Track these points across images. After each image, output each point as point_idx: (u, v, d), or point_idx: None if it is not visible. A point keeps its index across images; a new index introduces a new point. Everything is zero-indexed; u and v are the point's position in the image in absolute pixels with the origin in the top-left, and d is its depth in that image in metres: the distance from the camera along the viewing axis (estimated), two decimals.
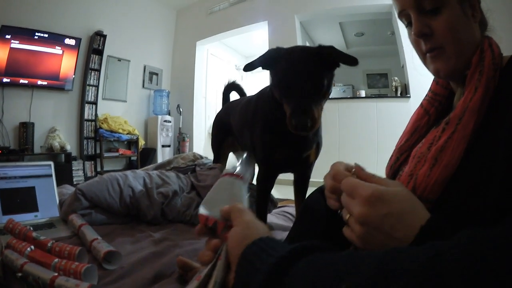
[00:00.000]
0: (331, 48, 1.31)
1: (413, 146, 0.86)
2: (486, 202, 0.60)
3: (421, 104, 0.94)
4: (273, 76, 1.39)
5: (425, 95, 0.95)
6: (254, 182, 1.65)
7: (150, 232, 1.64)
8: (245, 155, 0.88)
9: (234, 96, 2.41)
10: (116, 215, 1.79)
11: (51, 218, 1.82)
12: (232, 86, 2.39)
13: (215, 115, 2.33)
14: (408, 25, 0.86)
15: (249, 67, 1.47)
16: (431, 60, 0.84)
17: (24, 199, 1.82)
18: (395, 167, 0.90)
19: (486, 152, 0.65)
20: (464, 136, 0.69)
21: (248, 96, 1.95)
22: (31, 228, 1.49)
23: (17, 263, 1.16)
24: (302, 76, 1.26)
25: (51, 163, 2.03)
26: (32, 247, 1.31)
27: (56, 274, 1.10)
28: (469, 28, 0.79)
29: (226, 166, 0.82)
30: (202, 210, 0.66)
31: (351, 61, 1.31)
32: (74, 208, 1.71)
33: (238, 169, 0.81)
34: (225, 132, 2.17)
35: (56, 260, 1.20)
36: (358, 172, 0.68)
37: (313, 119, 1.23)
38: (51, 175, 1.97)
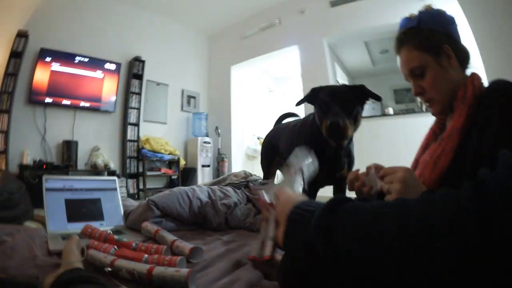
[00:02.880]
0: (362, 86, 1.65)
1: (421, 156, 1.30)
2: None
3: (431, 128, 1.37)
4: (316, 106, 1.69)
5: (433, 122, 1.38)
6: None
7: (218, 236, 1.83)
8: (297, 149, 1.22)
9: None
10: (184, 223, 2.00)
11: (116, 227, 1.98)
12: (286, 115, 2.70)
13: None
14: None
15: (298, 103, 1.83)
16: (428, 107, 1.28)
17: (90, 209, 1.97)
18: None
19: (464, 155, 1.03)
20: (452, 146, 1.07)
21: (294, 121, 2.21)
22: (111, 232, 1.65)
23: (106, 260, 1.26)
24: (337, 99, 1.57)
25: (116, 178, 2.21)
26: (116, 247, 1.44)
27: (152, 265, 1.20)
28: (447, 77, 1.19)
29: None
30: (262, 196, 0.91)
31: (377, 97, 1.68)
32: (146, 216, 1.91)
33: (293, 161, 1.14)
34: (273, 152, 2.42)
35: (146, 255, 1.33)
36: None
37: (344, 124, 1.52)
38: (115, 189, 2.14)
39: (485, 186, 0.45)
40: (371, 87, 1.67)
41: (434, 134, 1.35)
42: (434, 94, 1.22)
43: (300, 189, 1.03)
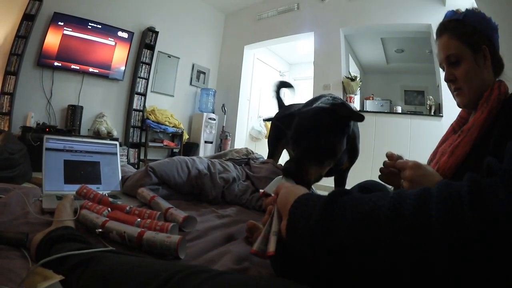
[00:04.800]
0: (341, 106, 1.39)
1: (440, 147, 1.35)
2: None
3: (452, 125, 1.42)
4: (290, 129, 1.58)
5: (455, 118, 1.43)
6: None
7: (213, 208, 1.80)
8: None
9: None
10: (180, 192, 1.98)
11: (112, 192, 1.96)
12: (282, 85, 2.69)
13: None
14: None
15: (268, 120, 1.86)
16: (455, 95, 1.31)
17: (88, 172, 1.94)
18: (428, 162, 1.36)
19: (482, 150, 1.06)
20: (470, 140, 1.12)
21: (304, 104, 2.12)
22: (106, 194, 1.62)
23: (97, 221, 1.25)
24: (307, 144, 1.33)
25: (117, 143, 2.15)
26: (109, 209, 1.43)
27: (143, 229, 1.19)
28: (480, 75, 1.22)
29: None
30: (262, 190, 0.97)
31: (358, 117, 1.33)
32: (143, 183, 1.88)
33: None
34: (281, 133, 2.37)
35: (139, 219, 1.32)
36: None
37: (302, 171, 1.30)
38: (116, 153, 2.11)
39: (490, 172, 0.49)
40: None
41: (454, 130, 1.40)
42: (464, 86, 1.25)
43: None
